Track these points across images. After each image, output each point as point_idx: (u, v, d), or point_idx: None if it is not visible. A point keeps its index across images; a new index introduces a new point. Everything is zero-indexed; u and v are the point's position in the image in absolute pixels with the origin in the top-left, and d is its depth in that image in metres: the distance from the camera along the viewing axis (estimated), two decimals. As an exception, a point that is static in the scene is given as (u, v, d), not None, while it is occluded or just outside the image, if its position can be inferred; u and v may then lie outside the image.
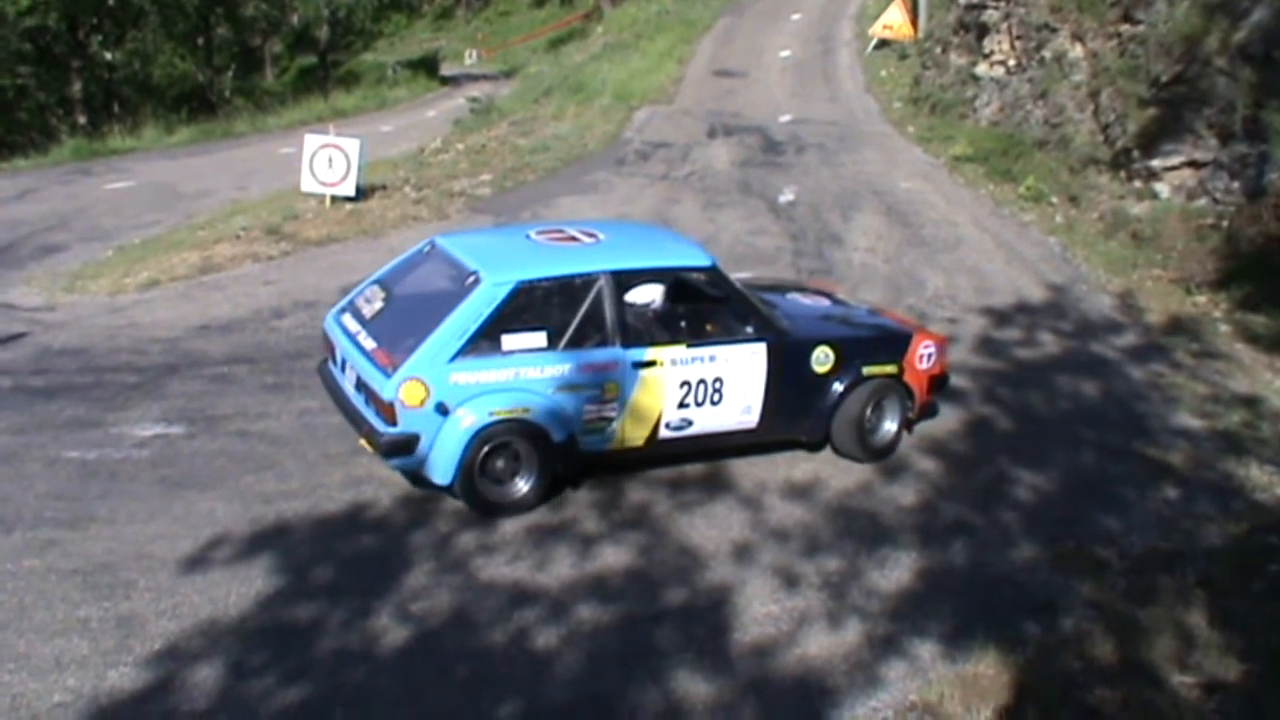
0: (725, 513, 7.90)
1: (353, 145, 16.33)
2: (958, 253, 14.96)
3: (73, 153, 25.57)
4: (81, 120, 35.04)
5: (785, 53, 32.73)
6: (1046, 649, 6.56)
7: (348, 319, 8.07)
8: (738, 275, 10.52)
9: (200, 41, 43.88)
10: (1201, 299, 13.39)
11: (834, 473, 8.60)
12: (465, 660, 6.08)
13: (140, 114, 33.90)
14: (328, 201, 16.35)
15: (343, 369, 7.93)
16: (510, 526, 7.46)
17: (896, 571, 7.30)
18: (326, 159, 16.22)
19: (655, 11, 41.87)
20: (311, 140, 16.50)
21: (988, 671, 6.26)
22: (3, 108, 36.44)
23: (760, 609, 6.75)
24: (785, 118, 24.46)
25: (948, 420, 9.70)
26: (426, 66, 49.34)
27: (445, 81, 46.65)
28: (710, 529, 7.65)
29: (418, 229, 14.79)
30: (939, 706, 5.97)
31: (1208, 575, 7.38)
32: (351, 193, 16.36)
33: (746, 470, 8.54)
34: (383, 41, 57.60)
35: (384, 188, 17.71)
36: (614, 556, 7.21)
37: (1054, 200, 17.13)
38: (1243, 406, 10.43)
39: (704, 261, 8.30)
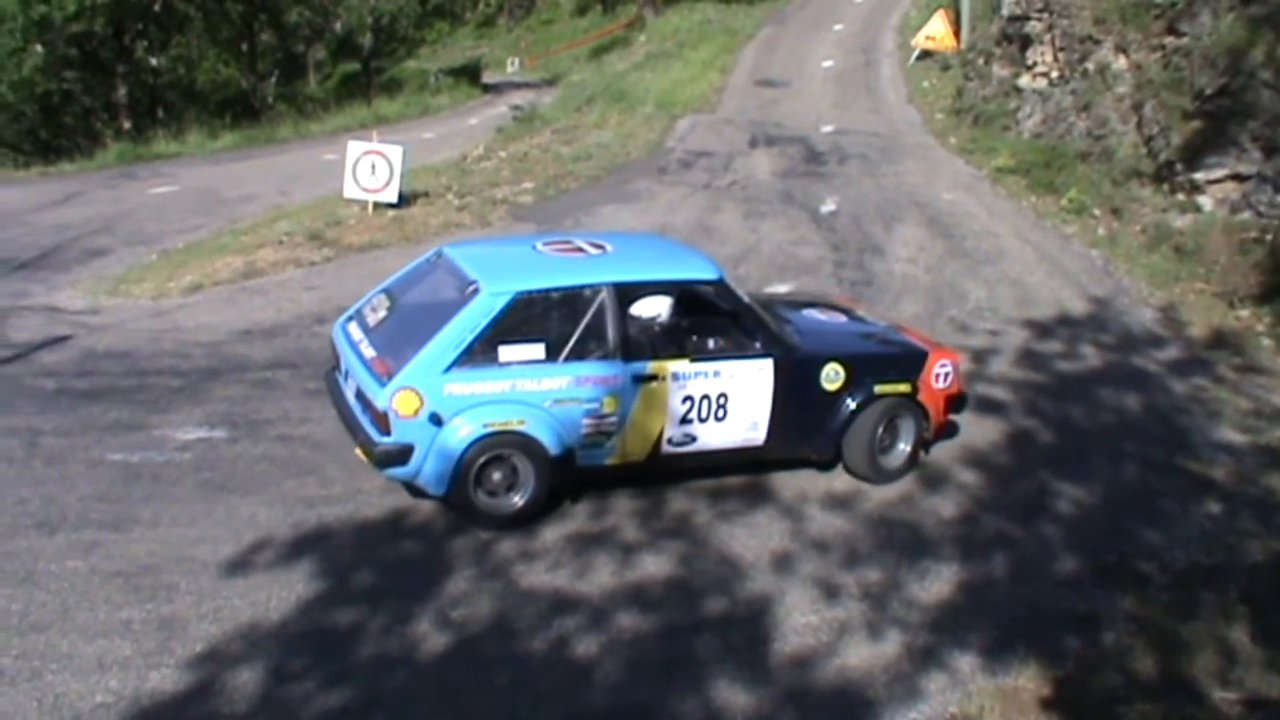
0: (766, 522, 7.89)
1: (395, 152, 16.44)
2: (999, 265, 14.88)
3: (117, 157, 25.76)
4: (126, 125, 35.42)
5: (828, 63, 32.73)
6: (1087, 663, 6.52)
7: (353, 327, 8.06)
8: (772, 288, 10.54)
9: (244, 47, 44.37)
10: (1244, 313, 13.25)
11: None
12: (505, 667, 6.10)
13: (184, 119, 34.17)
14: (370, 208, 16.46)
15: (345, 378, 7.93)
16: (551, 534, 7.48)
17: (937, 583, 7.27)
18: (369, 165, 16.33)
19: (698, 20, 42.09)
20: (354, 147, 16.63)
21: (1028, 685, 6.23)
22: (49, 112, 36.90)
23: (800, 619, 6.73)
24: (827, 128, 24.45)
25: (989, 432, 9.65)
26: (469, 74, 49.60)
27: (487, 89, 46.89)
28: (751, 539, 7.64)
29: (460, 236, 14.82)
30: (979, 719, 5.95)
31: (1250, 591, 7.32)
32: (394, 199, 16.47)
33: (787, 480, 8.52)
34: (425, 49, 57.92)
35: (426, 194, 17.81)
36: (654, 565, 7.22)
37: (1096, 213, 17.01)
38: (1287, 422, 10.33)
39: (711, 275, 8.19)
